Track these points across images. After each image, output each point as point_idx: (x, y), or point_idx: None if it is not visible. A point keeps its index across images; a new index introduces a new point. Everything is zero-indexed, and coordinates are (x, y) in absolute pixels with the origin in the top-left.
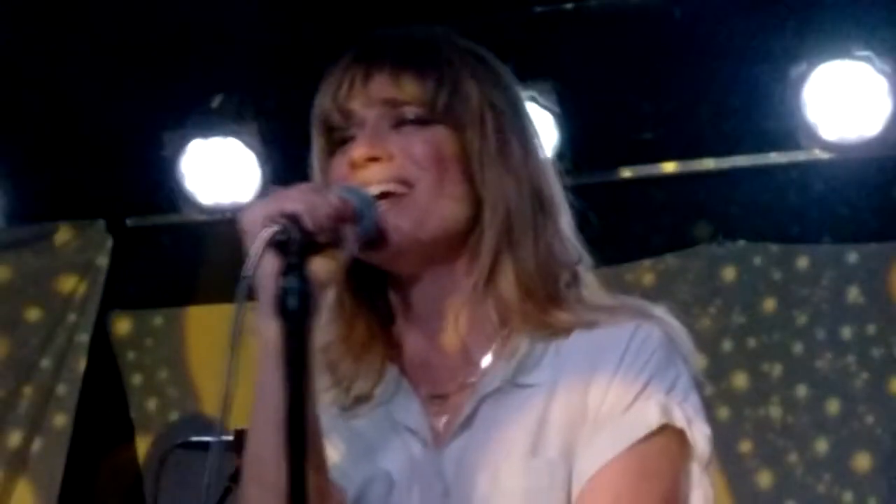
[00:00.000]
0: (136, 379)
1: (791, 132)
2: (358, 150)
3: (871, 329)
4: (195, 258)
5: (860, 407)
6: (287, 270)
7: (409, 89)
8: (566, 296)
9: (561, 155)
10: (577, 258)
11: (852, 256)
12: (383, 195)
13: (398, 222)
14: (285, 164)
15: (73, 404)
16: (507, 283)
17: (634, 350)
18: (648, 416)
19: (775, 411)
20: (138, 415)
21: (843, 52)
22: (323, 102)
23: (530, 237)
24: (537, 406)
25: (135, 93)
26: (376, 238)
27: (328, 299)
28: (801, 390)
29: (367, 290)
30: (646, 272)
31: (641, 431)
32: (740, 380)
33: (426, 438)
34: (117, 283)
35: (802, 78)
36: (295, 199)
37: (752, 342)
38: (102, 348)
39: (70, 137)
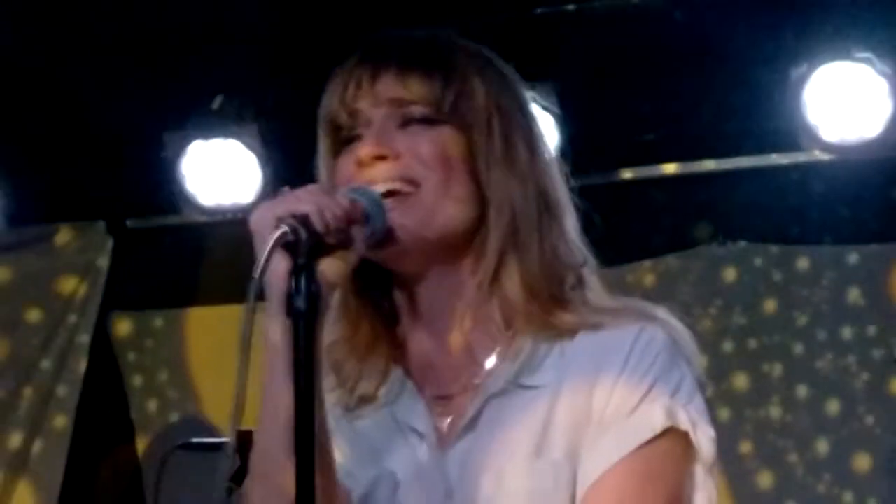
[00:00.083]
0: (137, 380)
1: (792, 133)
2: (365, 149)
3: (871, 330)
4: (196, 259)
5: (860, 407)
6: (296, 271)
7: (416, 89)
8: (571, 297)
9: (562, 156)
10: (583, 260)
11: (853, 257)
12: (389, 193)
13: (404, 221)
14: (286, 165)
15: (73, 405)
16: (512, 284)
17: (639, 352)
18: (653, 418)
19: (776, 412)
20: (138, 416)
21: (844, 54)
22: (330, 102)
23: (535, 238)
24: (542, 407)
25: (135, 94)
26: (383, 237)
27: (334, 300)
28: (802, 391)
29: (372, 291)
30: (646, 273)
31: (646, 434)
32: (741, 380)
33: (431, 439)
34: (118, 284)
35: (803, 79)
36: (304, 201)
37: (752, 343)
38: (103, 349)
39: (71, 138)
